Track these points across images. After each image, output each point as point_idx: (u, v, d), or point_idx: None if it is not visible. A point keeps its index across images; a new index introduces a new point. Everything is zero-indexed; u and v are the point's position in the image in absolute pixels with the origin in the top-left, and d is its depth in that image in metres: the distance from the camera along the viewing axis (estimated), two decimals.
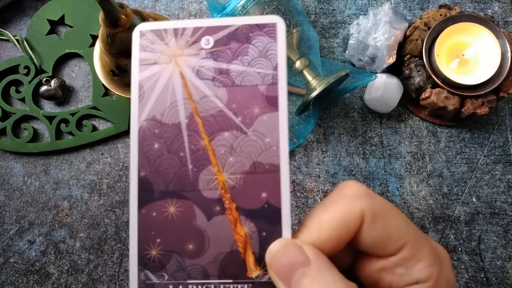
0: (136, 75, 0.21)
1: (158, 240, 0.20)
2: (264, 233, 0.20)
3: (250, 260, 0.20)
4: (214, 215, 0.20)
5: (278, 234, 0.19)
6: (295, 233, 0.20)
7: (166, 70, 0.21)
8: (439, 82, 0.41)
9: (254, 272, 0.20)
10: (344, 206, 0.19)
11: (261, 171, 0.20)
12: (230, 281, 0.20)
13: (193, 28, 0.21)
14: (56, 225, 0.44)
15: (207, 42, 0.21)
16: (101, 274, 0.42)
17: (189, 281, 0.20)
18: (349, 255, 0.22)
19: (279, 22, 0.21)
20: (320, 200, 0.43)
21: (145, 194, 0.20)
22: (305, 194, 0.44)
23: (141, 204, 0.20)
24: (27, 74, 0.46)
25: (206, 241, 0.20)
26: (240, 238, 0.20)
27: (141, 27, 0.21)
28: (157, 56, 0.21)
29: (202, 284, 0.20)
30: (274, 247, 0.19)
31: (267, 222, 0.20)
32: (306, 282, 0.18)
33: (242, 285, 0.20)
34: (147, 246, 0.20)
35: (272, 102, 0.20)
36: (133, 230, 0.20)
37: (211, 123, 0.20)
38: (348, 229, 0.19)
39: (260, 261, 0.20)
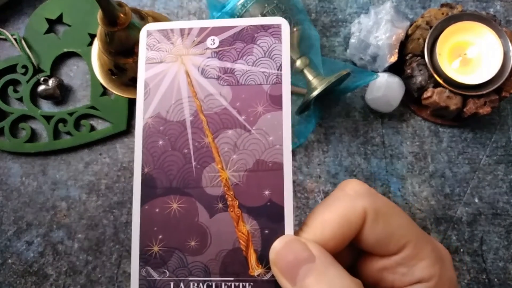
0: (142, 73, 0.22)
1: (160, 237, 0.20)
2: (266, 231, 0.20)
3: (252, 258, 0.20)
4: (217, 212, 0.20)
5: (280, 232, 0.20)
6: (297, 232, 0.20)
7: (172, 68, 0.21)
8: (441, 81, 0.41)
9: (256, 270, 0.20)
10: (346, 204, 0.19)
11: (264, 169, 0.20)
12: (232, 279, 0.20)
13: (199, 29, 0.22)
14: (54, 226, 0.43)
15: (213, 42, 0.22)
16: (99, 276, 0.42)
17: (190, 278, 0.20)
18: (350, 254, 0.22)
19: (284, 24, 0.21)
20: (321, 200, 0.43)
21: (149, 190, 0.20)
22: (305, 194, 0.43)
23: (144, 200, 0.20)
24: (25, 74, 0.46)
25: (208, 238, 0.20)
26: (242, 236, 0.20)
27: (148, 27, 0.22)
28: (164, 55, 0.22)
29: (204, 281, 0.20)
30: (278, 244, 0.19)
31: (269, 220, 0.20)
32: (312, 279, 0.17)
33: (244, 283, 0.20)
34: (149, 242, 0.20)
35: (275, 101, 0.21)
36: (136, 226, 0.20)
37: (215, 121, 0.21)
38: (350, 227, 0.19)
39: (262, 259, 0.20)
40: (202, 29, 0.22)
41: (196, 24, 0.22)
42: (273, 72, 0.21)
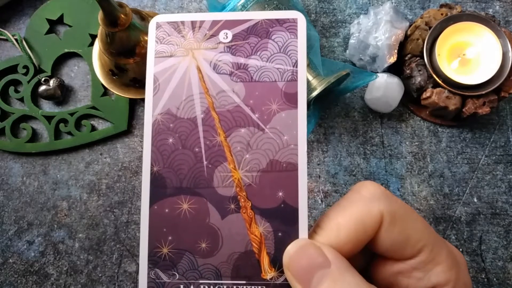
0: (151, 67, 0.21)
1: (170, 238, 0.19)
2: (280, 234, 0.19)
3: (265, 261, 0.19)
4: (229, 214, 0.19)
5: (294, 235, 0.19)
6: (311, 235, 0.19)
7: (182, 63, 0.20)
8: (440, 81, 0.41)
9: (268, 273, 0.19)
10: (362, 208, 0.19)
11: (278, 170, 0.19)
12: (244, 282, 0.19)
13: (211, 21, 0.21)
14: (55, 226, 0.43)
15: (226, 36, 0.21)
16: (100, 275, 0.42)
17: (201, 281, 0.19)
18: (363, 258, 0.21)
19: (300, 18, 0.20)
20: (321, 200, 0.43)
21: (158, 189, 0.20)
22: None
23: (153, 200, 0.20)
24: (26, 74, 0.46)
25: (219, 240, 0.19)
26: (255, 238, 0.19)
27: (158, 18, 0.21)
28: (174, 49, 0.21)
29: (215, 284, 0.19)
30: (292, 248, 0.19)
31: (283, 222, 0.19)
32: (327, 285, 0.17)
33: (256, 286, 0.19)
34: (158, 243, 0.19)
35: (290, 99, 0.20)
36: (144, 226, 0.20)
37: (228, 118, 0.20)
38: (366, 231, 0.18)
39: (275, 262, 0.19)
40: (214, 22, 0.21)
41: (208, 16, 0.21)
42: (288, 68, 0.20)
